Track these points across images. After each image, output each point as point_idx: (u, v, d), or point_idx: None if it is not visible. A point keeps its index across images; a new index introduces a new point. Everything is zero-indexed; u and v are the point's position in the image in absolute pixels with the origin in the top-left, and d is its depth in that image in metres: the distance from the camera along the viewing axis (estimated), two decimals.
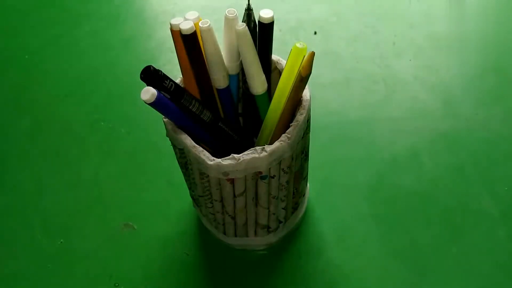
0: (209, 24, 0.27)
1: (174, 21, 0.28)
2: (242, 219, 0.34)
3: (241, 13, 0.29)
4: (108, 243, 0.38)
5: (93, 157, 0.44)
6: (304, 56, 0.27)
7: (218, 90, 0.31)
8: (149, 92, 0.25)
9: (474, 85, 0.48)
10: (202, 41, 0.28)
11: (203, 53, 0.28)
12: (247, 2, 0.28)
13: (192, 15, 0.28)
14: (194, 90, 0.31)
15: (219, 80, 0.30)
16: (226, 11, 0.28)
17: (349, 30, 0.54)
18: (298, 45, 0.27)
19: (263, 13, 0.28)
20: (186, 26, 0.27)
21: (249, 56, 0.28)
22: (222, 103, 0.32)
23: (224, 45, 0.29)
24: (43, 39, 0.55)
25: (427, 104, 0.46)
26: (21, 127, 0.47)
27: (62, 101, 0.49)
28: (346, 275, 0.36)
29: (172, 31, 0.28)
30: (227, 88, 0.31)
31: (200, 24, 0.27)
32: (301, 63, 0.27)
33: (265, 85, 0.30)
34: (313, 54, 0.27)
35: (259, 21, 0.28)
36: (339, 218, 0.39)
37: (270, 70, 0.31)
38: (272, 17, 0.28)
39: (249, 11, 0.28)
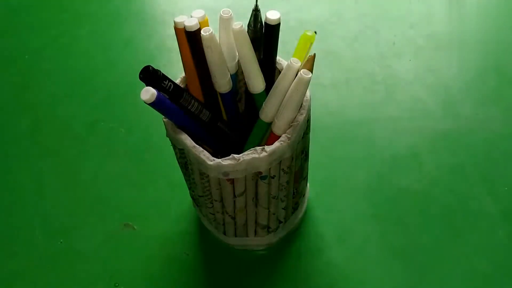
0: (212, 32, 0.27)
1: (178, 19, 0.28)
2: (242, 219, 0.34)
3: (239, 13, 0.29)
4: (108, 243, 0.38)
5: (93, 157, 0.44)
6: (311, 43, 0.28)
7: (221, 94, 0.31)
8: (149, 92, 0.25)
9: (474, 85, 0.48)
10: (204, 49, 0.27)
11: (207, 60, 0.28)
12: (254, 3, 0.28)
13: (198, 13, 0.28)
14: (196, 89, 0.31)
15: (224, 86, 0.30)
16: (221, 11, 0.28)
17: (349, 30, 0.54)
18: (308, 32, 0.28)
19: (270, 15, 0.28)
20: (191, 23, 0.27)
21: (247, 55, 0.28)
22: (224, 105, 0.32)
23: (221, 46, 0.29)
24: (43, 39, 0.55)
25: (427, 104, 0.46)
26: (21, 127, 0.47)
27: (62, 101, 0.49)
28: (346, 275, 0.36)
29: (176, 29, 0.28)
30: (231, 91, 0.31)
31: (202, 32, 0.27)
32: (305, 56, 0.28)
33: (264, 84, 0.30)
34: (314, 56, 0.27)
35: (265, 22, 0.28)
36: (339, 218, 0.39)
37: (274, 70, 0.31)
38: (279, 18, 0.28)
39: (256, 12, 0.28)
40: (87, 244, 0.38)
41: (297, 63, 0.27)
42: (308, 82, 0.27)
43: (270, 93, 0.29)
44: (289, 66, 0.27)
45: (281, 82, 0.28)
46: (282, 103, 0.28)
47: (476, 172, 0.41)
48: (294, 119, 0.29)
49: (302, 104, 0.29)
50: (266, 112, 0.29)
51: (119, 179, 0.42)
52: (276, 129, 0.29)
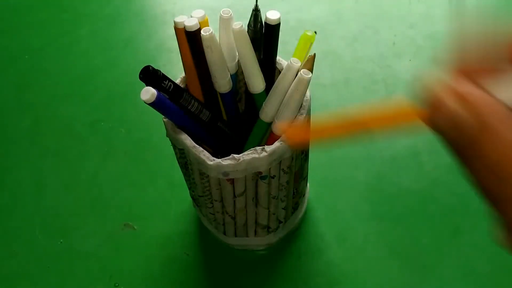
0: (212, 32, 0.27)
1: (178, 19, 0.28)
2: (242, 219, 0.34)
3: (239, 13, 0.29)
4: (108, 243, 0.38)
5: (93, 157, 0.44)
6: (311, 43, 0.28)
7: (221, 94, 0.31)
8: (149, 92, 0.25)
9: None
10: (204, 49, 0.28)
11: (207, 60, 0.28)
12: (254, 3, 0.28)
13: (198, 13, 0.28)
14: (196, 89, 0.31)
15: (224, 86, 0.30)
16: (221, 11, 0.28)
17: (349, 30, 0.54)
18: (308, 33, 0.28)
19: (270, 15, 0.28)
20: (191, 23, 0.27)
21: (247, 55, 0.28)
22: (224, 105, 0.32)
23: (221, 45, 0.29)
24: (43, 39, 0.55)
25: None
26: (21, 127, 0.47)
27: (62, 101, 0.49)
28: (346, 275, 0.36)
29: (176, 29, 0.28)
30: (231, 91, 0.31)
31: (202, 32, 0.27)
32: (305, 56, 0.28)
33: (264, 84, 0.30)
34: (314, 56, 0.27)
35: (265, 22, 0.28)
36: (339, 218, 0.39)
37: (274, 70, 0.31)
38: (279, 18, 0.28)
39: (256, 12, 0.28)
40: (87, 244, 0.38)
41: (297, 63, 0.27)
42: (308, 82, 0.27)
43: (270, 93, 0.29)
44: (289, 66, 0.27)
45: (281, 82, 0.28)
46: (282, 103, 0.28)
47: None
48: (294, 119, 0.29)
49: (302, 104, 0.29)
50: (266, 112, 0.29)
51: (119, 179, 0.42)
52: (276, 129, 0.29)
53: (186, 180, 0.34)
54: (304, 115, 0.29)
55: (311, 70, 0.27)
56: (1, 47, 0.55)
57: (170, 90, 0.27)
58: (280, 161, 0.29)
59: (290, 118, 0.28)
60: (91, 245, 0.38)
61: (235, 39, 0.27)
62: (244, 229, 0.35)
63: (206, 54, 0.28)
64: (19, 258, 0.38)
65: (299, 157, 0.31)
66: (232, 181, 0.29)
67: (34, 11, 0.59)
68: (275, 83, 0.28)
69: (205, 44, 0.27)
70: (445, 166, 0.41)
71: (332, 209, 0.39)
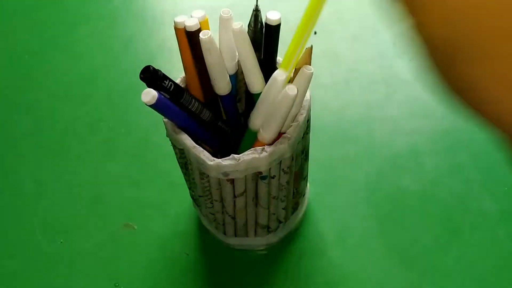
0: (210, 35, 0.27)
1: (178, 19, 0.28)
2: (242, 219, 0.34)
3: (239, 13, 0.29)
4: (108, 243, 0.38)
5: (93, 157, 0.44)
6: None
7: (221, 96, 0.31)
8: (150, 94, 0.25)
9: None
10: (203, 51, 0.27)
11: (206, 63, 0.28)
12: (255, 3, 0.28)
13: (198, 13, 0.28)
14: (196, 89, 0.31)
15: (223, 88, 0.30)
16: (221, 11, 0.28)
17: (349, 30, 0.54)
18: None
19: (271, 15, 0.28)
20: (191, 23, 0.27)
21: (247, 55, 0.28)
22: (224, 107, 0.32)
23: (221, 45, 0.29)
24: (43, 39, 0.55)
25: (427, 104, 0.46)
26: (21, 127, 0.47)
27: (62, 101, 0.49)
28: (346, 275, 0.36)
29: (176, 29, 0.28)
30: (230, 93, 0.31)
31: (201, 35, 0.27)
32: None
33: (264, 84, 0.30)
34: (311, 49, 0.27)
35: (266, 23, 0.28)
36: (339, 218, 0.39)
37: (275, 70, 0.31)
38: (279, 19, 0.28)
39: (256, 12, 0.28)
40: (87, 244, 0.38)
41: (281, 76, 0.26)
42: (293, 98, 0.26)
43: (257, 102, 0.28)
44: (274, 79, 0.26)
45: (267, 92, 0.27)
46: (268, 113, 0.28)
47: (476, 172, 0.41)
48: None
49: (302, 103, 0.29)
50: (253, 121, 0.29)
51: (119, 179, 0.42)
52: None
53: (186, 180, 0.34)
54: (304, 115, 0.29)
55: (309, 63, 0.27)
56: (1, 47, 0.55)
57: (170, 90, 0.27)
58: (280, 161, 0.29)
59: (276, 130, 0.28)
60: (91, 245, 0.38)
61: (235, 39, 0.27)
62: (244, 229, 0.35)
63: (205, 57, 0.28)
64: (19, 258, 0.38)
65: (299, 157, 0.32)
66: (232, 181, 0.29)
67: (34, 11, 0.59)
68: (263, 91, 0.28)
69: (204, 47, 0.27)
70: (445, 166, 0.41)
71: (332, 209, 0.39)
